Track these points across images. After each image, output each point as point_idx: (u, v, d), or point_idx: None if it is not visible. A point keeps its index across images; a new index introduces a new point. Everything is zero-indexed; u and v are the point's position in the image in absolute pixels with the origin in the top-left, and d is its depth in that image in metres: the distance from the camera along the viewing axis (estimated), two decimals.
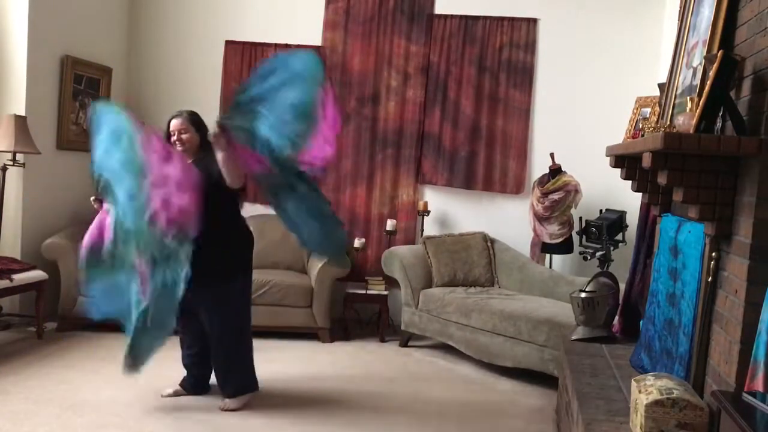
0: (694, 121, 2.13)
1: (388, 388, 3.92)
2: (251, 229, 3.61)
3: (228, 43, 5.46)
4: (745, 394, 1.78)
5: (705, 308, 2.32)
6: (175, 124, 3.31)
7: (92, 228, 3.18)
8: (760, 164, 2.00)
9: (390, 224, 5.21)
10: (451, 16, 5.30)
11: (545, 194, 4.80)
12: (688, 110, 2.28)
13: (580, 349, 3.23)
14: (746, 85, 2.19)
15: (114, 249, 3.06)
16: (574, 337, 3.40)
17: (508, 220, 5.25)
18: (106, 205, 3.17)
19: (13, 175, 4.51)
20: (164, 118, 5.38)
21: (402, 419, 3.44)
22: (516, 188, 5.28)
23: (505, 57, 5.27)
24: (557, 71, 5.25)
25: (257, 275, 4.06)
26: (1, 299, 4.30)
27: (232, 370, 3.42)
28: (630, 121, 3.98)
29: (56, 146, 4.86)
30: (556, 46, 5.25)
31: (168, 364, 3.62)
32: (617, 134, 4.20)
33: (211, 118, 3.30)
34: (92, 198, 3.30)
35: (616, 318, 3.48)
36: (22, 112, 4.44)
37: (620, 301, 3.50)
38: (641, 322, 3.10)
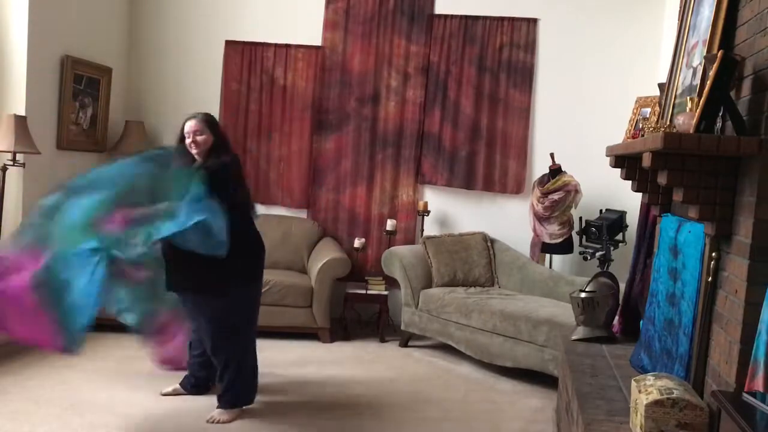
0: (694, 121, 2.13)
1: (388, 388, 3.92)
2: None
3: (228, 43, 5.46)
4: (745, 394, 1.78)
5: (705, 308, 2.32)
6: (190, 125, 3.28)
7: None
8: (760, 164, 2.00)
9: (390, 224, 5.21)
10: (451, 16, 5.30)
11: (545, 194, 4.80)
12: (688, 110, 2.28)
13: (580, 349, 3.23)
14: (746, 85, 2.19)
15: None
16: (574, 337, 3.40)
17: (508, 220, 5.25)
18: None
19: (13, 175, 4.51)
20: (164, 118, 5.46)
21: (402, 419, 3.44)
22: (516, 188, 5.28)
23: (505, 57, 5.27)
24: (557, 71, 5.25)
25: None
26: None
27: (228, 380, 3.31)
28: (630, 121, 3.98)
29: (56, 146, 4.86)
30: (556, 46, 5.25)
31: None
32: (617, 134, 4.20)
33: None
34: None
35: (616, 318, 3.48)
36: (22, 112, 4.44)
37: (620, 301, 3.49)
38: (641, 322, 3.09)
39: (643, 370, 2.73)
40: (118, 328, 4.60)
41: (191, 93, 5.38)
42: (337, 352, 4.57)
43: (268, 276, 4.65)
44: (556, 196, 4.75)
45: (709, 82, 2.11)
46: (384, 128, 5.38)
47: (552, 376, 3.90)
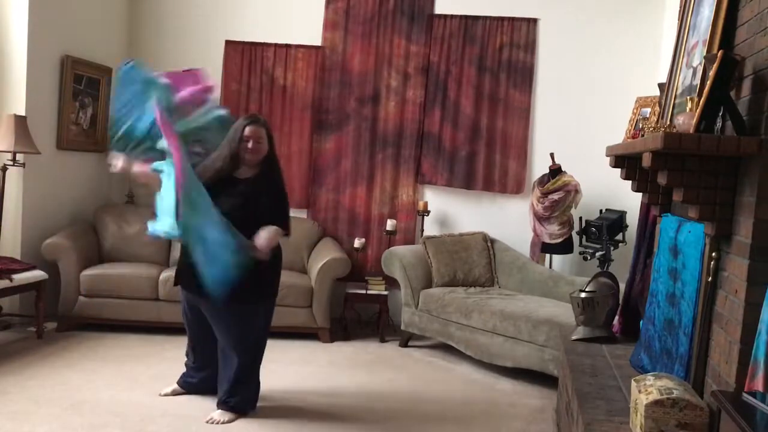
0: (694, 121, 2.13)
1: (388, 388, 3.92)
2: None
3: (228, 43, 5.46)
4: (745, 394, 1.78)
5: (705, 308, 2.32)
6: (253, 130, 3.18)
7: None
8: (760, 164, 2.00)
9: (390, 224, 5.21)
10: (451, 16, 5.30)
11: (545, 194, 4.80)
12: (688, 110, 2.27)
13: (580, 349, 3.23)
14: (746, 85, 2.19)
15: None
16: (574, 337, 3.40)
17: (508, 220, 5.25)
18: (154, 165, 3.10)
19: (13, 175, 4.51)
20: None
21: (402, 419, 3.44)
22: (516, 188, 5.28)
23: (505, 57, 5.27)
24: (557, 71, 5.26)
25: None
26: (1, 299, 4.30)
27: (238, 386, 3.31)
28: (630, 121, 3.99)
29: (56, 146, 4.86)
30: (556, 46, 5.25)
31: (167, 364, 3.63)
32: (617, 134, 4.20)
33: None
34: (115, 157, 3.20)
35: (616, 318, 3.48)
36: (22, 112, 4.44)
37: (620, 301, 3.49)
38: (641, 322, 3.09)
39: (643, 370, 2.73)
40: (119, 328, 4.62)
41: None
42: (337, 353, 4.57)
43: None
44: (556, 196, 4.75)
45: (709, 82, 2.11)
46: (384, 128, 5.38)
47: (552, 376, 3.90)
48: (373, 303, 5.09)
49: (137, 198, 5.37)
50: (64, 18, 4.82)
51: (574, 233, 4.85)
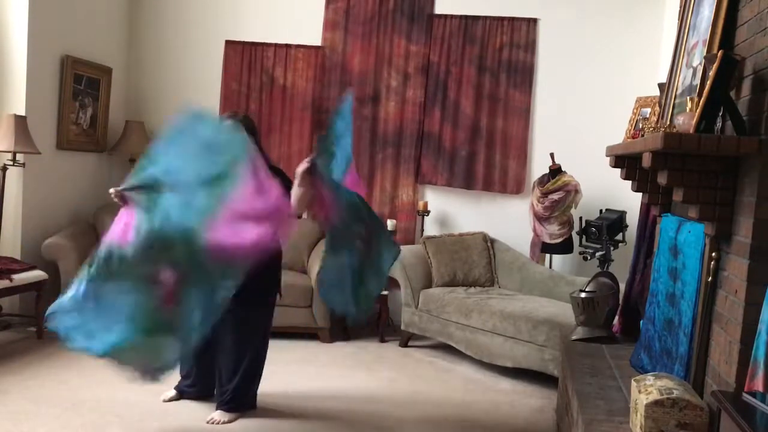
0: (694, 121, 2.13)
1: (388, 388, 3.92)
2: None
3: (228, 43, 5.46)
4: (745, 394, 1.78)
5: (705, 308, 2.32)
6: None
7: (118, 226, 2.86)
8: (760, 164, 2.00)
9: (390, 224, 5.20)
10: (451, 16, 5.30)
11: (545, 194, 4.80)
12: (688, 110, 2.27)
13: (580, 349, 3.23)
14: (746, 85, 2.19)
15: (130, 253, 2.73)
16: (574, 337, 3.40)
17: (508, 220, 5.25)
18: (131, 207, 2.87)
19: (13, 175, 4.51)
20: (164, 117, 5.45)
21: (402, 419, 3.44)
22: (516, 188, 5.28)
23: (505, 57, 5.27)
24: (557, 71, 5.25)
25: None
26: (1, 299, 4.30)
27: (240, 385, 3.31)
28: (630, 121, 3.98)
29: (56, 146, 4.86)
30: (556, 46, 5.25)
31: None
32: (617, 134, 4.20)
33: None
34: (115, 190, 2.93)
35: (616, 318, 3.48)
36: (22, 112, 4.44)
37: (620, 301, 3.49)
38: (641, 322, 3.09)
39: (643, 370, 2.73)
40: None
41: (191, 93, 5.38)
42: (337, 352, 4.57)
43: None
44: (556, 196, 4.75)
45: (709, 82, 2.11)
46: (384, 128, 5.38)
47: (552, 376, 3.90)
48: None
49: None
50: (64, 18, 4.82)
51: (574, 233, 4.85)
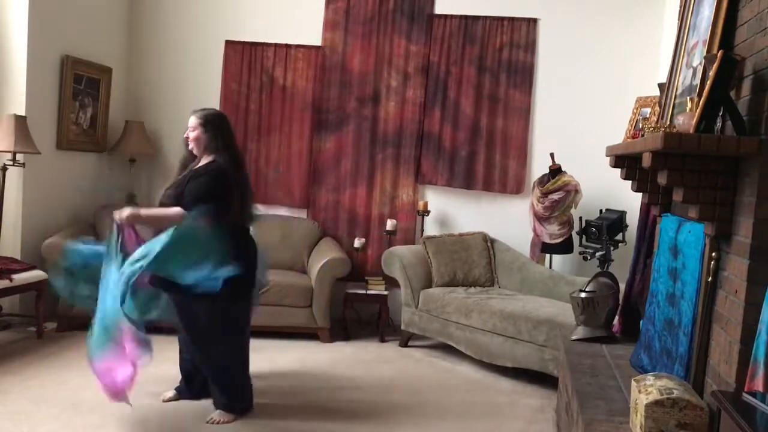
0: (694, 121, 2.13)
1: (388, 388, 3.92)
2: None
3: (228, 43, 5.46)
4: (745, 394, 1.78)
5: (705, 308, 2.32)
6: (190, 121, 3.30)
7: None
8: (760, 164, 2.00)
9: (390, 224, 5.21)
10: (451, 16, 5.30)
11: (545, 194, 4.80)
12: (688, 110, 2.28)
13: (580, 349, 3.23)
14: (746, 85, 2.19)
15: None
16: (574, 337, 3.40)
17: (508, 220, 5.25)
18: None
19: (13, 175, 4.51)
20: (164, 118, 5.47)
21: (402, 419, 3.44)
22: (516, 188, 5.28)
23: (505, 57, 5.27)
24: (557, 71, 5.25)
25: None
26: (1, 299, 4.30)
27: (218, 386, 3.29)
28: (630, 121, 3.99)
29: (56, 146, 4.86)
30: (556, 46, 5.25)
31: (168, 365, 3.62)
32: (617, 134, 4.20)
33: None
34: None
35: (616, 318, 3.48)
36: (22, 112, 4.44)
37: (620, 301, 3.49)
38: (641, 322, 3.09)
39: (643, 370, 2.73)
40: None
41: (191, 93, 5.38)
42: (337, 352, 4.57)
43: (269, 276, 4.65)
44: (556, 196, 4.76)
45: (709, 82, 2.11)
46: (384, 128, 5.38)
47: (552, 376, 3.90)
48: (373, 303, 5.09)
49: (138, 199, 5.37)
50: (64, 18, 4.82)
51: (574, 233, 4.85)
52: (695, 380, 2.34)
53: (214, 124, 3.29)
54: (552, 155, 4.90)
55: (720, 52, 2.12)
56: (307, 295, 4.72)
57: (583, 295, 3.43)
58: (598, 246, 4.56)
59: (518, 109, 5.28)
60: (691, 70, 2.58)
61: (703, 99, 2.13)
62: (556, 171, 4.86)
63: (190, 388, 3.50)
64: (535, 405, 3.77)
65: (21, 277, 4.16)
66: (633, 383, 2.25)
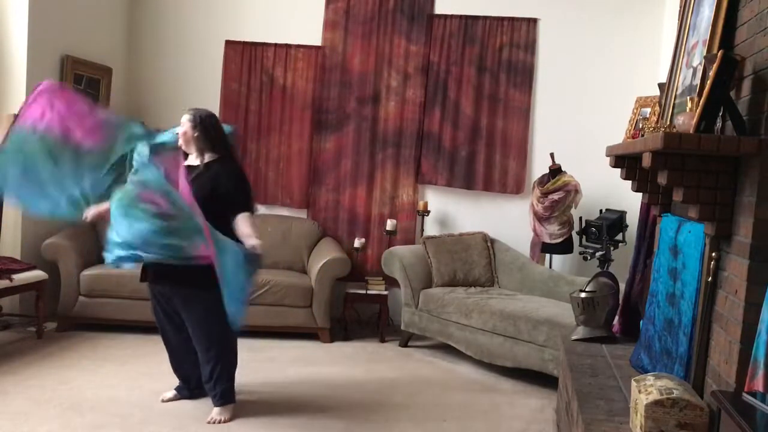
0: (694, 121, 2.13)
1: (388, 388, 3.92)
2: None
3: (228, 43, 5.46)
4: (745, 394, 1.78)
5: (705, 308, 2.32)
6: (183, 118, 3.33)
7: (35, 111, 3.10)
8: (760, 164, 2.00)
9: (390, 224, 5.21)
10: (451, 16, 5.30)
11: (545, 194, 4.80)
12: (688, 110, 2.28)
13: (580, 349, 3.23)
14: (746, 85, 2.19)
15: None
16: (574, 337, 3.40)
17: (508, 220, 5.25)
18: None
19: None
20: (164, 118, 5.44)
21: (402, 419, 3.44)
22: (516, 188, 5.28)
23: (505, 57, 5.27)
24: (557, 71, 5.26)
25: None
26: (1, 299, 4.30)
27: (215, 377, 3.30)
28: (630, 121, 3.98)
29: None
30: (556, 46, 5.25)
31: (167, 365, 3.61)
32: (617, 134, 4.20)
33: None
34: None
35: (616, 318, 3.48)
36: None
37: (620, 301, 3.49)
38: (641, 322, 3.09)
39: (643, 370, 2.73)
40: (119, 328, 4.62)
41: (191, 93, 5.37)
42: (337, 353, 4.57)
43: (268, 276, 4.66)
44: (556, 196, 4.76)
45: (709, 82, 2.11)
46: (384, 128, 5.38)
47: (552, 376, 3.90)
48: (373, 303, 5.09)
49: None
50: (64, 18, 4.82)
51: (574, 233, 4.85)
52: (695, 380, 2.34)
53: (204, 125, 3.30)
54: (552, 155, 4.90)
55: (720, 52, 2.12)
56: (307, 295, 4.72)
57: (583, 295, 3.43)
58: (598, 246, 4.56)
59: (518, 109, 5.28)
60: (691, 70, 2.58)
61: (703, 99, 2.13)
62: (556, 171, 4.86)
63: (189, 388, 3.50)
64: (535, 405, 3.77)
65: (21, 277, 4.16)
66: (633, 383, 2.25)
